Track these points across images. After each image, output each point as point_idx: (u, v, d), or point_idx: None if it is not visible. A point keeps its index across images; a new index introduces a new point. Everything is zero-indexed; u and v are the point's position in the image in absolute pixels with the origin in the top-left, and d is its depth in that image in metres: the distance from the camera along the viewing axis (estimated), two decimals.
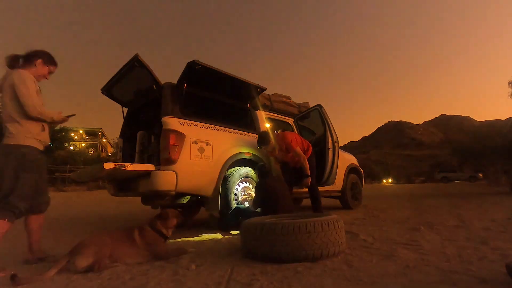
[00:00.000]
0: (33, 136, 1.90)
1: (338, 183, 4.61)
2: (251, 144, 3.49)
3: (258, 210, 2.86)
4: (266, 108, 4.20)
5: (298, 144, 3.57)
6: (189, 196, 3.27)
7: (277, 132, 3.75)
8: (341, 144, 4.58)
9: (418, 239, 2.25)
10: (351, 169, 5.15)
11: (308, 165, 3.50)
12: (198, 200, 3.29)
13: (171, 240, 2.40)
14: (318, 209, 3.55)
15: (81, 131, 45.92)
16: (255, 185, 3.23)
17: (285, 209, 2.68)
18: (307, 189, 3.80)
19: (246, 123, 3.73)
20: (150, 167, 2.71)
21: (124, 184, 3.16)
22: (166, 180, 2.65)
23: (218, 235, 2.75)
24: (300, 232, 1.67)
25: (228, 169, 3.14)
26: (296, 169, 3.59)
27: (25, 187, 1.83)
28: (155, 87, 3.07)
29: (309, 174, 3.49)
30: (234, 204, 3.14)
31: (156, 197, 2.96)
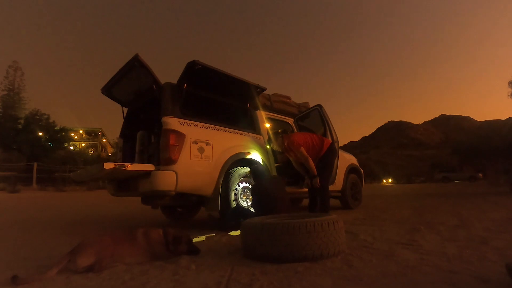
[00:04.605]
0: None
1: (338, 183, 4.61)
2: (251, 144, 3.49)
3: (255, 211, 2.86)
4: (266, 108, 4.20)
5: (306, 143, 3.55)
6: None
7: (280, 133, 3.77)
8: (341, 144, 4.58)
9: (418, 239, 2.25)
10: (351, 169, 5.15)
11: (313, 165, 3.49)
12: (198, 200, 3.30)
13: None
14: (325, 211, 3.45)
15: (81, 131, 45.96)
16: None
17: (282, 210, 2.69)
18: (306, 189, 3.80)
19: (246, 123, 3.73)
20: (150, 167, 2.71)
21: (124, 184, 3.16)
22: (166, 180, 2.65)
23: (217, 235, 2.74)
24: (300, 232, 1.67)
25: (228, 169, 3.14)
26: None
27: None
28: (155, 87, 3.07)
29: (316, 174, 3.48)
30: (234, 204, 3.14)
31: (156, 197, 2.96)
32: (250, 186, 3.39)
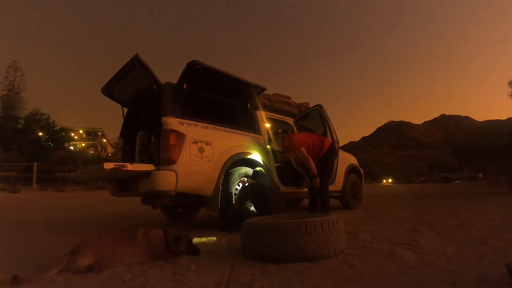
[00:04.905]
0: None
1: (338, 183, 4.61)
2: (251, 144, 3.49)
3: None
4: (266, 108, 4.21)
5: (306, 143, 3.55)
6: None
7: (280, 133, 3.77)
8: (341, 144, 4.58)
9: (418, 239, 2.25)
10: (351, 169, 5.15)
11: (313, 165, 3.49)
12: (198, 200, 3.30)
13: None
14: (325, 211, 3.47)
15: (81, 131, 45.99)
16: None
17: (278, 210, 2.70)
18: (306, 189, 3.80)
19: (246, 123, 3.73)
20: (150, 167, 2.71)
21: (124, 184, 3.16)
22: (166, 180, 2.65)
23: (217, 235, 2.74)
24: (300, 232, 1.67)
25: (228, 169, 3.14)
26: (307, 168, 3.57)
27: None
28: (155, 87, 3.07)
29: (316, 174, 3.48)
30: None
31: (156, 197, 2.96)
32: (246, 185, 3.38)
